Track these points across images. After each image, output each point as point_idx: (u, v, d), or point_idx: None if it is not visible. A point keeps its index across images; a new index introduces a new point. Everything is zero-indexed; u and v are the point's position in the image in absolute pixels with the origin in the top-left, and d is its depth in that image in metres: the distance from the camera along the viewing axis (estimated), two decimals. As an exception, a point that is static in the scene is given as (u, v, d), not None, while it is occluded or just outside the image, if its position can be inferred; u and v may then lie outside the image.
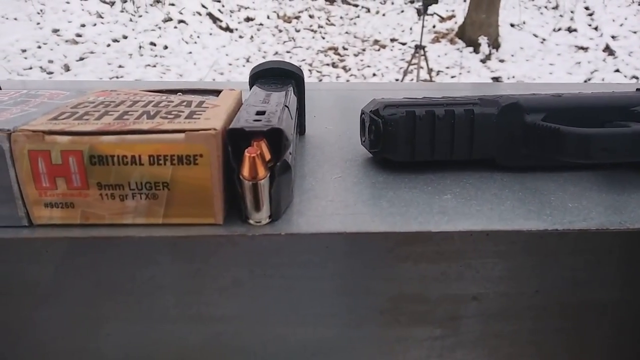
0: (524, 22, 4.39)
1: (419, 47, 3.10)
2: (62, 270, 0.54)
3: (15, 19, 4.31)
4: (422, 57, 3.08)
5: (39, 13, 4.43)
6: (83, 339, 0.57)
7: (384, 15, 5.11)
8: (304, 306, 0.56)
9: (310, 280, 0.55)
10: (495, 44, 4.23)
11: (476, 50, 4.25)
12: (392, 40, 4.80)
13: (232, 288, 0.52)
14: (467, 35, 4.31)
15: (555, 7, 4.41)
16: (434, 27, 4.69)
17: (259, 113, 0.20)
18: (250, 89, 0.27)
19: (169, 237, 0.21)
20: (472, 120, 0.24)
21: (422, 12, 3.30)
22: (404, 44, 4.72)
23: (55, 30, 4.35)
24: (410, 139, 0.24)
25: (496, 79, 3.94)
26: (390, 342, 0.60)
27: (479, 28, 4.24)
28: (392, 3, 5.27)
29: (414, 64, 3.50)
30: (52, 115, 0.19)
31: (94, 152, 0.18)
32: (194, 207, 0.19)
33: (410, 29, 4.84)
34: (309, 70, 4.35)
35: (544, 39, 4.21)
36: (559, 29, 4.23)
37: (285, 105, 0.22)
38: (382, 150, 0.25)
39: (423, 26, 3.09)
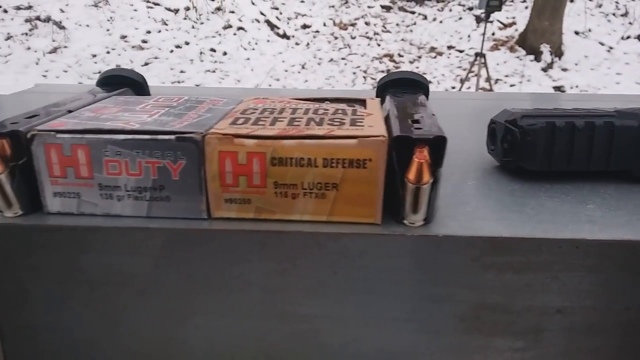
0: (589, 30, 4.23)
1: (479, 55, 3.04)
2: (159, 264, 0.57)
3: (88, 25, 4.55)
4: (482, 65, 3.03)
5: (109, 20, 4.66)
6: (173, 329, 0.60)
7: (441, 22, 5.05)
8: (386, 309, 0.56)
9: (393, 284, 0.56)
10: (558, 52, 4.09)
11: (537, 59, 4.13)
12: (449, 47, 4.73)
13: (318, 288, 0.53)
14: (529, 42, 4.20)
15: (625, 14, 4.22)
16: (493, 34, 4.59)
17: (415, 122, 0.21)
18: (377, 96, 0.28)
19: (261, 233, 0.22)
20: (612, 132, 0.24)
21: (483, 19, 3.24)
22: (461, 51, 4.64)
23: (123, 37, 4.57)
24: (548, 148, 0.24)
25: (558, 89, 3.81)
26: (469, 351, 0.60)
27: (541, 35, 4.11)
28: (450, 10, 5.21)
29: (472, 72, 3.44)
30: (229, 121, 0.21)
31: (275, 154, 0.19)
32: (358, 206, 0.20)
33: (468, 36, 4.76)
34: (364, 77, 4.35)
35: (610, 47, 4.03)
36: (628, 37, 4.05)
37: (433, 114, 0.23)
38: (517, 159, 0.25)
39: (484, 33, 3.03)
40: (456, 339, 0.56)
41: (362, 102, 0.25)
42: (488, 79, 3.25)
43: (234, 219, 0.21)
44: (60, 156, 0.20)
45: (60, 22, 4.47)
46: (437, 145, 0.20)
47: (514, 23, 4.53)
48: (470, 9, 5.10)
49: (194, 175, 0.20)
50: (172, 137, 0.20)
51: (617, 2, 4.36)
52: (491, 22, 4.75)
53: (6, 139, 0.20)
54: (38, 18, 4.41)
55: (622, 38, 4.03)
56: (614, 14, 4.31)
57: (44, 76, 3.97)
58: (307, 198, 0.20)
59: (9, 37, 4.21)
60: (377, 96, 0.29)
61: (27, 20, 4.35)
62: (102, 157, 0.20)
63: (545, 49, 4.07)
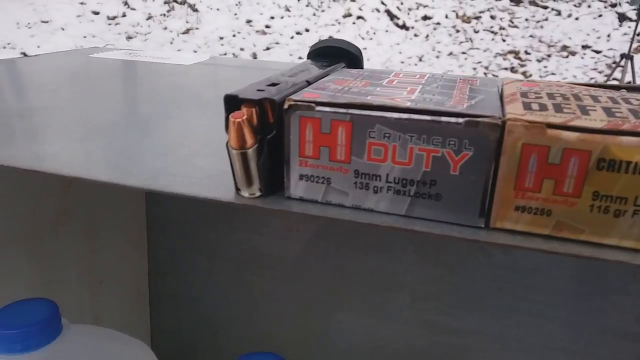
0: None
1: (625, 56, 2.73)
2: (309, 249, 0.55)
3: (218, 9, 4.79)
4: (629, 68, 2.72)
5: (237, 5, 4.87)
6: (316, 322, 0.58)
7: (577, 19, 4.63)
8: (554, 337, 0.49)
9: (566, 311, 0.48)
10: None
11: (692, 64, 3.63)
12: (584, 47, 4.33)
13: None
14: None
15: None
16: (638, 34, 4.12)
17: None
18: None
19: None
20: None
21: (629, 18, 2.91)
22: (598, 52, 4.23)
23: (249, 21, 4.75)
24: None
25: None
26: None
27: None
28: (589, 6, 4.76)
29: (607, 75, 3.10)
30: (518, 105, 0.16)
31: (605, 155, 0.14)
32: None
33: (608, 35, 4.32)
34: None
35: None
36: None
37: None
38: None
39: (635, 33, 2.71)
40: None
41: None
42: (634, 84, 2.91)
43: (519, 232, 0.16)
44: (316, 133, 0.17)
45: (194, 5, 4.75)
46: None
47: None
48: (613, 5, 4.61)
49: (480, 171, 0.16)
50: (460, 120, 0.16)
51: None
52: (635, 20, 4.26)
53: (255, 107, 0.17)
54: (175, 0, 4.72)
55: None
56: None
57: (175, 55, 4.26)
58: (636, 218, 0.15)
59: (149, 17, 4.56)
60: None
61: (166, 2, 4.68)
62: (366, 139, 0.17)
63: None
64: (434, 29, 4.91)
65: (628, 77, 2.86)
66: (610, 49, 4.07)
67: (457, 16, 5.00)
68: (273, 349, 0.42)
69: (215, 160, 0.22)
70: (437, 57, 4.58)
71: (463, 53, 4.53)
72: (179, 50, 4.39)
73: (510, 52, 4.47)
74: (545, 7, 4.88)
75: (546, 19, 4.70)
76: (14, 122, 0.27)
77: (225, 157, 0.18)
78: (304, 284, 0.55)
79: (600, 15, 4.56)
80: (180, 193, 0.19)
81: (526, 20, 4.78)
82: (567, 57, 4.28)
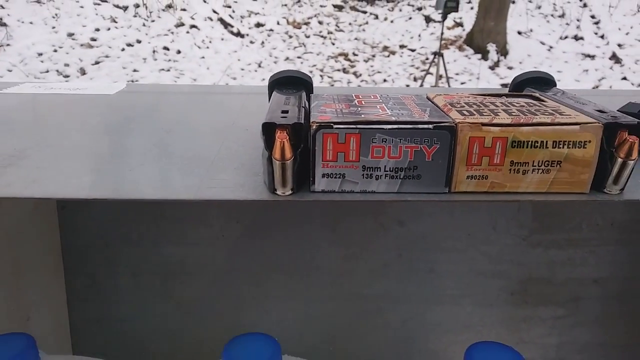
0: (531, 30, 4.51)
1: (437, 54, 3.19)
2: (235, 251, 0.60)
3: (31, 22, 4.34)
4: (441, 64, 3.18)
5: (54, 17, 4.46)
6: (247, 316, 0.63)
7: (392, 22, 5.20)
8: (443, 287, 0.62)
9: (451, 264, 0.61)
10: (503, 51, 4.33)
11: (484, 57, 4.36)
12: (401, 46, 4.88)
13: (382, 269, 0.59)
14: (476, 42, 4.42)
15: (562, 16, 4.53)
16: (442, 34, 4.79)
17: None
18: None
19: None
20: None
21: (431, 19, 3.40)
22: (413, 50, 4.81)
23: (70, 34, 4.38)
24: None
25: (505, 86, 4.04)
26: (517, 321, 0.67)
27: (487, 35, 4.34)
28: (400, 10, 5.37)
29: (424, 70, 3.59)
30: (456, 113, 0.26)
31: (515, 139, 0.24)
32: (573, 179, 0.26)
33: (419, 35, 4.93)
34: (320, 76, 4.41)
35: (551, 47, 4.32)
36: (566, 37, 4.35)
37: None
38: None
39: (442, 33, 3.18)
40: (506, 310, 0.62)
41: (533, 98, 0.30)
42: (446, 77, 3.40)
43: (469, 192, 0.26)
44: (334, 143, 0.24)
45: (1, 19, 4.23)
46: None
47: (460, 24, 4.75)
48: (420, 9, 5.28)
49: (444, 157, 0.25)
50: (430, 126, 0.24)
51: (554, 4, 4.67)
52: (439, 22, 4.95)
53: (288, 130, 0.24)
54: (-24, 14, 4.16)
55: (561, 38, 4.33)
56: (552, 15, 4.61)
57: (-14, 75, 3.75)
58: (534, 174, 0.25)
59: (-56, 35, 3.95)
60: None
61: (-36, 17, 4.09)
62: (370, 144, 0.25)
63: (491, 48, 4.30)
64: (268, 35, 5.08)
65: (440, 71, 3.34)
66: (423, 47, 4.67)
67: (287, 22, 5.24)
68: (208, 351, 0.45)
69: (234, 173, 0.28)
70: (275, 62, 4.74)
71: (299, 57, 4.77)
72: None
73: (340, 54, 4.83)
74: (365, 12, 5.39)
75: (367, 23, 5.19)
76: (23, 163, 0.29)
77: (239, 170, 0.24)
78: (233, 285, 0.60)
79: (410, 18, 5.18)
80: (230, 199, 0.24)
81: (350, 24, 5.22)
82: (388, 56, 4.79)
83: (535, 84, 0.34)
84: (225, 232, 0.58)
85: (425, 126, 0.24)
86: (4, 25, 4.22)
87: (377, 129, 0.24)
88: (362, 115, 0.25)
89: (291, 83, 0.33)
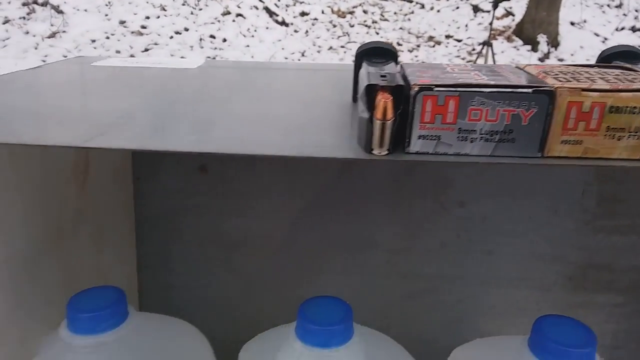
0: (584, 21, 4.34)
1: (486, 44, 3.13)
2: (295, 226, 0.62)
3: (86, 10, 4.49)
4: (489, 54, 3.11)
5: (107, 5, 4.60)
6: (303, 289, 0.64)
7: (438, 11, 5.11)
8: (500, 269, 0.62)
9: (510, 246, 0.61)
10: (554, 43, 4.19)
11: (534, 49, 4.23)
12: (447, 36, 4.80)
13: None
14: (526, 33, 4.29)
15: (619, 6, 4.34)
16: (490, 24, 4.68)
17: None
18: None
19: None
20: None
21: (480, 9, 3.32)
22: (459, 40, 4.72)
23: (122, 22, 4.52)
24: None
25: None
26: (573, 307, 0.66)
27: (538, 26, 4.21)
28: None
29: (471, 61, 3.52)
30: (552, 79, 0.26)
31: (613, 104, 0.25)
32: None
33: (466, 25, 4.83)
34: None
35: (605, 38, 4.15)
36: (622, 28, 4.17)
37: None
38: None
39: (492, 22, 3.11)
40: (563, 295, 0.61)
41: (625, 69, 0.30)
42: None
43: (562, 157, 0.26)
44: (433, 105, 0.25)
45: (58, 7, 4.39)
46: None
47: (511, 14, 4.62)
48: (467, -2, 5.17)
49: (540, 121, 0.25)
50: (529, 90, 0.25)
51: (611, -6, 4.48)
52: (487, 12, 4.83)
53: (391, 92, 0.25)
54: (35, 2, 4.33)
55: (617, 29, 4.15)
56: (608, 5, 4.43)
57: (43, 61, 3.91)
58: (629, 140, 0.25)
59: (6, 21, 4.14)
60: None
61: (24, 4, 4.27)
62: (468, 107, 0.25)
63: (542, 39, 4.17)
64: (313, 24, 5.08)
65: (489, 61, 3.27)
66: (469, 37, 4.58)
67: (332, 11, 5.23)
68: (266, 320, 0.45)
69: (329, 136, 0.29)
70: (319, 51, 4.75)
71: (342, 47, 4.76)
72: (46, 56, 4.06)
73: (384, 44, 4.78)
74: (410, 1, 5.31)
75: (412, 12, 5.12)
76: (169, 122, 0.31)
77: (332, 134, 0.25)
78: (291, 258, 0.62)
79: (457, 8, 5.08)
80: (330, 157, 0.26)
81: (395, 13, 5.16)
82: (433, 46, 4.71)
83: (624, 57, 0.34)
84: (287, 207, 0.60)
85: (525, 90, 0.25)
86: (61, 12, 4.39)
87: (476, 92, 0.25)
88: (460, 80, 0.26)
89: (378, 54, 0.34)
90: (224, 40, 4.69)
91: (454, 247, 0.59)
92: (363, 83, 0.26)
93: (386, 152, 0.26)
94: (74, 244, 0.47)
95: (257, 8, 5.06)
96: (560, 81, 0.26)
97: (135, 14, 4.64)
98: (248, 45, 4.66)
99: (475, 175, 0.56)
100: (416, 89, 0.25)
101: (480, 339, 0.43)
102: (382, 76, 0.27)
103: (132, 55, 4.15)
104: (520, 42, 4.33)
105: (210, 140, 0.28)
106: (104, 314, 0.37)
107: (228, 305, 0.63)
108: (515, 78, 0.27)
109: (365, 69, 0.31)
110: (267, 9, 5.10)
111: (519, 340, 0.37)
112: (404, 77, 0.27)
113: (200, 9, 4.93)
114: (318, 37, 4.91)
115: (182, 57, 4.24)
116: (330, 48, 4.74)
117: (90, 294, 0.38)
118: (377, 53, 0.34)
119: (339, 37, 4.90)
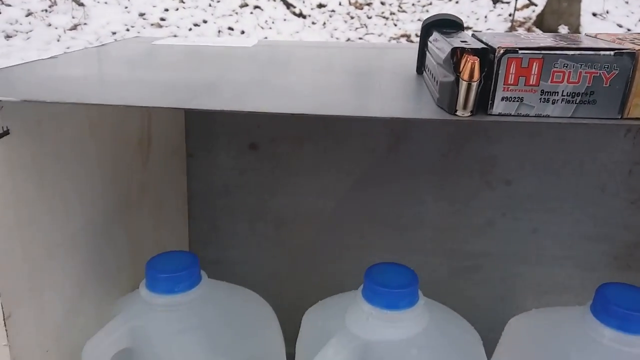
0: (607, 12, 4.28)
1: (507, 34, 3.10)
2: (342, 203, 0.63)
3: (106, 2, 4.54)
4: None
5: (127, -3, 4.64)
6: (350, 265, 0.66)
7: (457, 2, 5.07)
8: (545, 247, 0.62)
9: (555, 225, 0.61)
10: (576, 34, 4.13)
11: (555, 40, 4.17)
12: (467, 28, 4.76)
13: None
14: (547, 24, 4.24)
15: (643, -4, 4.27)
16: (510, 15, 4.62)
17: None
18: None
19: None
20: None
21: (507, 1, 3.29)
22: (478, 32, 4.67)
23: (142, 14, 4.56)
24: None
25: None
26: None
27: (559, 17, 4.16)
28: (466, -9, 5.22)
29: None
30: (632, 43, 0.27)
31: None
32: None
33: (485, 17, 4.79)
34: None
35: (629, 29, 4.08)
36: (646, 19, 4.10)
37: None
38: None
39: (513, 13, 3.08)
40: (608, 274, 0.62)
41: None
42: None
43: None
44: (517, 68, 0.27)
45: (80, -1, 4.44)
46: None
47: (532, 4, 4.56)
48: (486, -11, 5.12)
49: (622, 83, 0.26)
50: (611, 52, 0.26)
51: (634, -16, 4.40)
52: (507, 2, 4.77)
53: (476, 54, 0.26)
54: (57, -6, 4.39)
55: (640, 20, 4.09)
56: (631, -4, 4.35)
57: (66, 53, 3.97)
58: None
59: (29, 14, 4.20)
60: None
61: (47, -3, 4.33)
62: (552, 69, 0.26)
63: (563, 30, 4.12)
64: (330, 16, 5.07)
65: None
66: (489, 29, 4.53)
67: (349, 3, 5.21)
68: (312, 295, 0.47)
69: (407, 101, 0.31)
70: (336, 43, 4.74)
71: (360, 39, 4.74)
72: (68, 48, 4.11)
73: (402, 35, 4.77)
74: (428, -7, 5.27)
75: (430, 4, 5.09)
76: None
77: (409, 100, 0.27)
78: (338, 235, 0.63)
79: (476, -1, 5.03)
80: (418, 117, 0.27)
81: (413, 5, 5.13)
82: (452, 38, 4.67)
83: (443, 26, 0.35)
84: (334, 185, 0.61)
85: (607, 52, 0.26)
86: (82, 5, 4.44)
87: (560, 54, 0.26)
88: (541, 44, 0.27)
89: (446, 25, 0.35)
90: (242, 32, 4.71)
91: (499, 225, 0.60)
92: (446, 49, 0.28)
93: (469, 114, 0.28)
94: (139, 216, 0.50)
95: (274, 0, 5.06)
96: (638, 45, 0.27)
97: (154, 6, 4.68)
98: (266, 37, 4.67)
99: (521, 154, 0.57)
100: (501, 51, 0.26)
101: (537, 309, 0.44)
102: (462, 41, 0.28)
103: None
104: (541, 33, 4.28)
105: (301, 104, 0.30)
106: (181, 275, 0.39)
107: (276, 280, 0.65)
108: (593, 42, 0.28)
109: (440, 37, 0.32)
110: (284, 1, 5.10)
111: (580, 309, 0.38)
112: (484, 43, 0.29)
113: (219, 1, 4.95)
114: (335, 29, 4.90)
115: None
116: (348, 40, 4.73)
117: (168, 257, 0.40)
118: (443, 24, 0.35)
119: (357, 28, 4.88)
